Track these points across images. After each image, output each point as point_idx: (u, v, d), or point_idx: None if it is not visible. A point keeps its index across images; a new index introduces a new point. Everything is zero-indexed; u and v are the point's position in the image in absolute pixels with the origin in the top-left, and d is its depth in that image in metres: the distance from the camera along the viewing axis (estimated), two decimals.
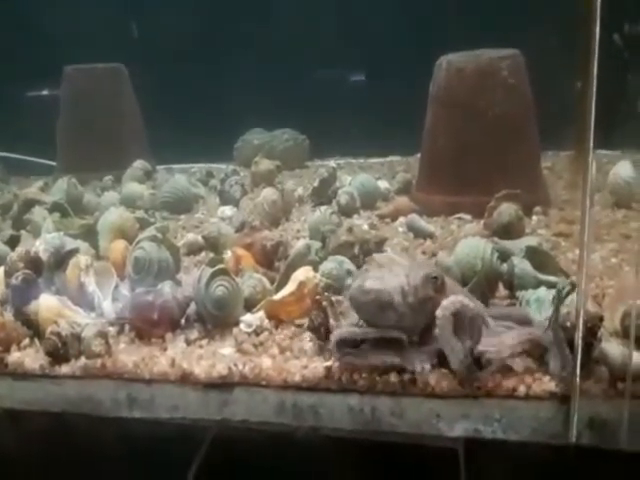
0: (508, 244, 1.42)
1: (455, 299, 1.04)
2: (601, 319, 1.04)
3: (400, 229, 1.86)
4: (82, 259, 1.41)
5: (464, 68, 1.93)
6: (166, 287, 1.26)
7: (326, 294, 1.26)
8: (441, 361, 1.06)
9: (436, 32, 2.55)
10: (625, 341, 1.05)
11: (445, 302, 1.04)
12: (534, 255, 1.34)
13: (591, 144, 0.97)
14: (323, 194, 2.16)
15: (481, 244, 1.33)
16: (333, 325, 1.16)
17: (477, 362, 1.03)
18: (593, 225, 1.00)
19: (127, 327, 1.29)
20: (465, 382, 1.03)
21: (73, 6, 2.81)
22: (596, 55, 0.95)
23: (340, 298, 1.32)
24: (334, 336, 1.10)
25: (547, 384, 1.03)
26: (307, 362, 1.13)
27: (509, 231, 1.60)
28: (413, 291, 1.05)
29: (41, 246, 1.43)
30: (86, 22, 2.82)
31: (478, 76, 1.92)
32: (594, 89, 0.96)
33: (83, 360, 1.20)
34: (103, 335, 1.21)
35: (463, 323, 1.03)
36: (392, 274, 1.08)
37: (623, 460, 0.99)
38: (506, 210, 1.62)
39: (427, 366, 1.05)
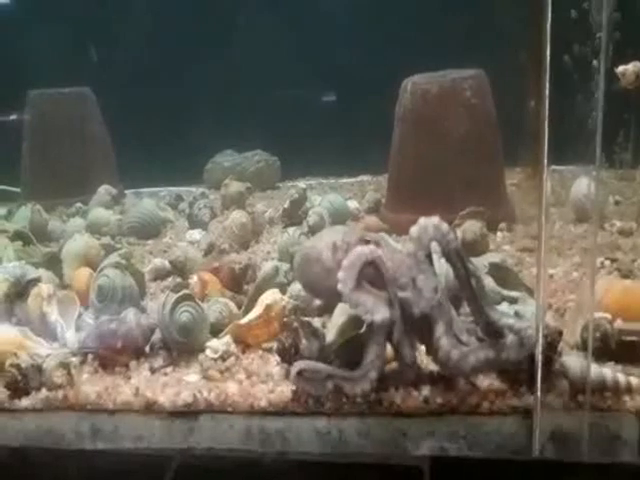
0: (472, 261, 1.44)
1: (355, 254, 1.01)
2: (560, 333, 1.06)
3: None
4: (44, 288, 1.38)
5: (428, 90, 1.97)
6: (130, 314, 1.25)
7: (293, 317, 1.26)
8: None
9: (406, 51, 2.59)
10: (585, 353, 1.07)
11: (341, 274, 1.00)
12: (497, 271, 1.36)
13: (545, 161, 1.00)
14: (294, 215, 2.16)
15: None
16: (305, 345, 1.15)
17: None
18: (549, 240, 1.02)
19: (90, 357, 1.26)
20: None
21: (38, 30, 2.80)
22: (547, 76, 0.99)
23: (309, 319, 1.31)
24: (294, 367, 1.07)
25: (510, 399, 1.04)
26: (274, 386, 1.12)
27: (473, 248, 1.62)
28: (345, 247, 1.05)
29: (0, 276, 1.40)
30: (52, 46, 2.80)
31: (442, 97, 1.96)
32: (547, 110, 0.99)
33: (44, 392, 1.17)
34: (65, 366, 1.19)
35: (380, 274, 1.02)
36: (332, 232, 1.11)
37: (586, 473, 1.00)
38: (470, 227, 1.65)
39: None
